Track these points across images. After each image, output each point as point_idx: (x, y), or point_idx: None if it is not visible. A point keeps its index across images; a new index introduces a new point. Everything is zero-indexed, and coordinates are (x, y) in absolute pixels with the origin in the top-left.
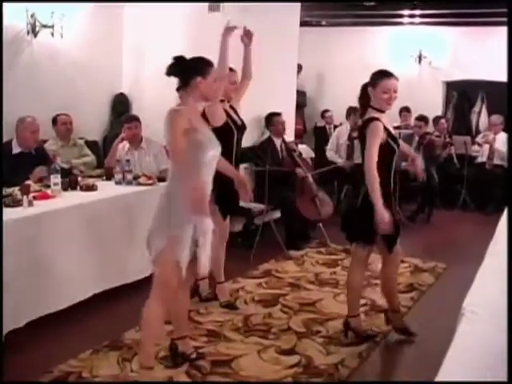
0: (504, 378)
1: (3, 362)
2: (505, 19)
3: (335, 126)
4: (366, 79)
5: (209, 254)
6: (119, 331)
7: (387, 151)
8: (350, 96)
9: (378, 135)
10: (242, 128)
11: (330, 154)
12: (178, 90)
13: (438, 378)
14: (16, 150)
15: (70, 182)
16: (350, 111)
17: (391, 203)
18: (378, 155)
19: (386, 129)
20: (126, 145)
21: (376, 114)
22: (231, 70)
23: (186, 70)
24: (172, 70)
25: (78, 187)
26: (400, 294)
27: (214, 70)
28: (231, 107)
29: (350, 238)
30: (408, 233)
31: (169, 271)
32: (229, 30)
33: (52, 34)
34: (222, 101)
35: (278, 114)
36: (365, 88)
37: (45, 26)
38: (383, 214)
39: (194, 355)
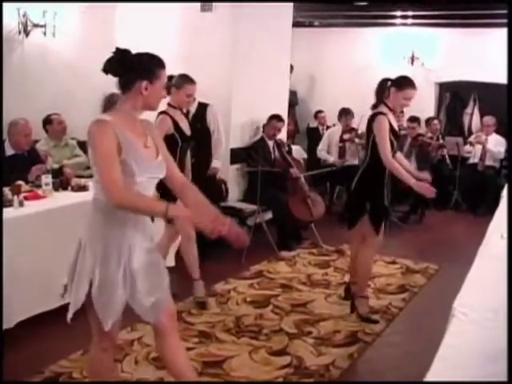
0: (493, 377)
1: (3, 362)
2: (497, 21)
3: (328, 127)
4: (359, 80)
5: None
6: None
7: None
8: (342, 97)
9: (386, 129)
10: (189, 138)
11: (321, 154)
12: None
13: (428, 378)
14: (9, 152)
15: (62, 182)
16: (342, 113)
17: (384, 190)
18: (374, 144)
19: (391, 125)
20: None
21: (385, 111)
22: (191, 81)
23: (129, 70)
24: (110, 67)
25: (70, 187)
26: (392, 295)
27: (165, 74)
28: (184, 115)
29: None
30: (400, 234)
31: None
32: None
33: (44, 34)
34: (173, 107)
35: (279, 119)
36: (383, 83)
37: (36, 26)
38: (418, 185)
39: None
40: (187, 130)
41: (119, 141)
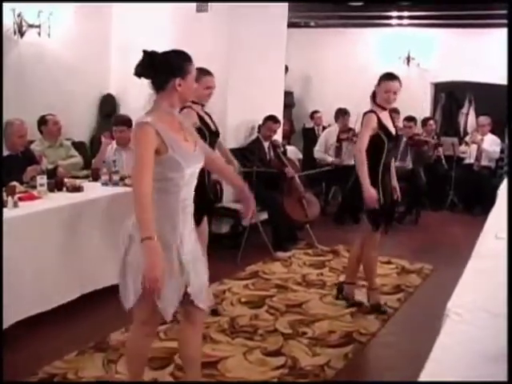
0: (488, 378)
1: (3, 362)
2: (493, 21)
3: (324, 128)
4: (354, 81)
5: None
6: (105, 333)
7: (377, 141)
8: (338, 97)
9: (369, 125)
10: (215, 134)
11: (318, 154)
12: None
13: (421, 379)
14: (4, 152)
15: (56, 183)
16: (339, 113)
17: (378, 187)
18: (369, 144)
19: (380, 122)
20: (113, 145)
21: (376, 109)
22: (208, 73)
23: (161, 70)
24: (142, 70)
25: (64, 188)
26: (387, 296)
27: (193, 66)
28: (206, 112)
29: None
30: (396, 234)
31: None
32: None
33: (39, 34)
34: (194, 103)
35: (274, 120)
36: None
37: (31, 26)
38: (369, 191)
39: None
40: (212, 125)
41: (163, 140)
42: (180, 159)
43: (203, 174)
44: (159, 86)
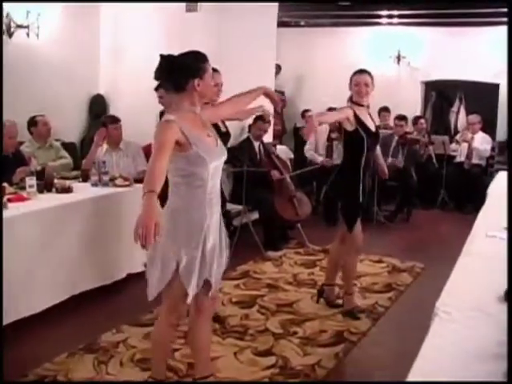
0: (479, 378)
1: (3, 362)
2: (482, 19)
3: None
4: (346, 79)
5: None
6: (95, 334)
7: (356, 137)
8: (329, 96)
9: (342, 110)
10: (226, 135)
11: (309, 153)
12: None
13: (409, 378)
14: None
15: (46, 184)
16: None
17: (359, 186)
18: (348, 140)
19: (358, 118)
20: (104, 146)
21: (352, 106)
22: (215, 70)
23: (180, 73)
24: (161, 74)
25: (54, 189)
26: (378, 294)
27: (209, 65)
28: None
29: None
30: (387, 232)
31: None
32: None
33: (27, 35)
34: (205, 103)
35: (264, 120)
36: None
37: (20, 26)
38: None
39: None
40: (222, 126)
41: (187, 137)
42: (204, 154)
43: None
44: (179, 87)
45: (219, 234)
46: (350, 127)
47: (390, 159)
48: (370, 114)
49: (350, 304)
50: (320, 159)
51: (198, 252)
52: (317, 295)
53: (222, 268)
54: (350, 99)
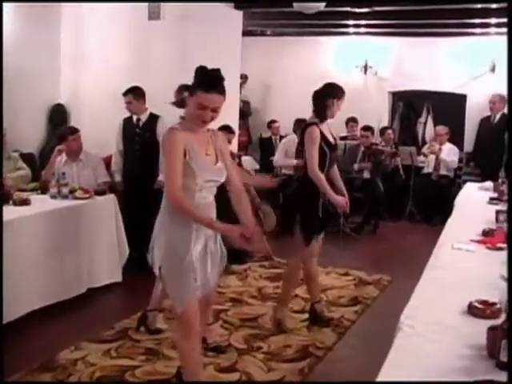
0: None
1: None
2: (450, 30)
3: (281, 137)
4: (312, 89)
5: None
6: (53, 351)
7: (320, 153)
8: (296, 106)
9: (316, 141)
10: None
11: (278, 164)
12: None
13: None
14: None
15: (3, 196)
16: (297, 123)
17: (319, 198)
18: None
19: (322, 134)
20: (63, 157)
21: (316, 121)
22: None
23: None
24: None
25: (11, 201)
26: (344, 308)
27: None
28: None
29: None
30: (353, 245)
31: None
32: None
33: None
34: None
35: (229, 130)
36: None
37: None
38: (336, 200)
39: None
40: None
41: (186, 146)
42: (194, 167)
43: None
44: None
45: (208, 239)
46: (317, 144)
47: (356, 165)
48: (327, 124)
49: (320, 311)
50: (294, 162)
51: (182, 259)
52: (309, 317)
53: (212, 271)
54: (315, 112)
